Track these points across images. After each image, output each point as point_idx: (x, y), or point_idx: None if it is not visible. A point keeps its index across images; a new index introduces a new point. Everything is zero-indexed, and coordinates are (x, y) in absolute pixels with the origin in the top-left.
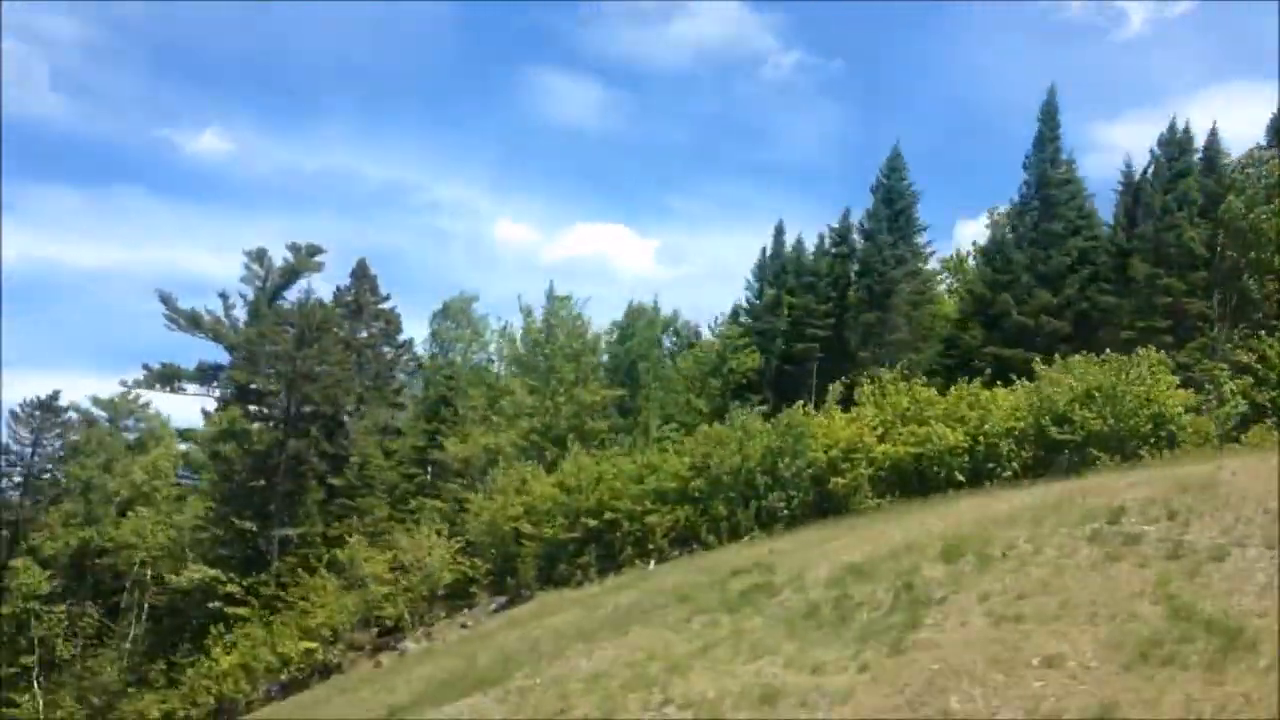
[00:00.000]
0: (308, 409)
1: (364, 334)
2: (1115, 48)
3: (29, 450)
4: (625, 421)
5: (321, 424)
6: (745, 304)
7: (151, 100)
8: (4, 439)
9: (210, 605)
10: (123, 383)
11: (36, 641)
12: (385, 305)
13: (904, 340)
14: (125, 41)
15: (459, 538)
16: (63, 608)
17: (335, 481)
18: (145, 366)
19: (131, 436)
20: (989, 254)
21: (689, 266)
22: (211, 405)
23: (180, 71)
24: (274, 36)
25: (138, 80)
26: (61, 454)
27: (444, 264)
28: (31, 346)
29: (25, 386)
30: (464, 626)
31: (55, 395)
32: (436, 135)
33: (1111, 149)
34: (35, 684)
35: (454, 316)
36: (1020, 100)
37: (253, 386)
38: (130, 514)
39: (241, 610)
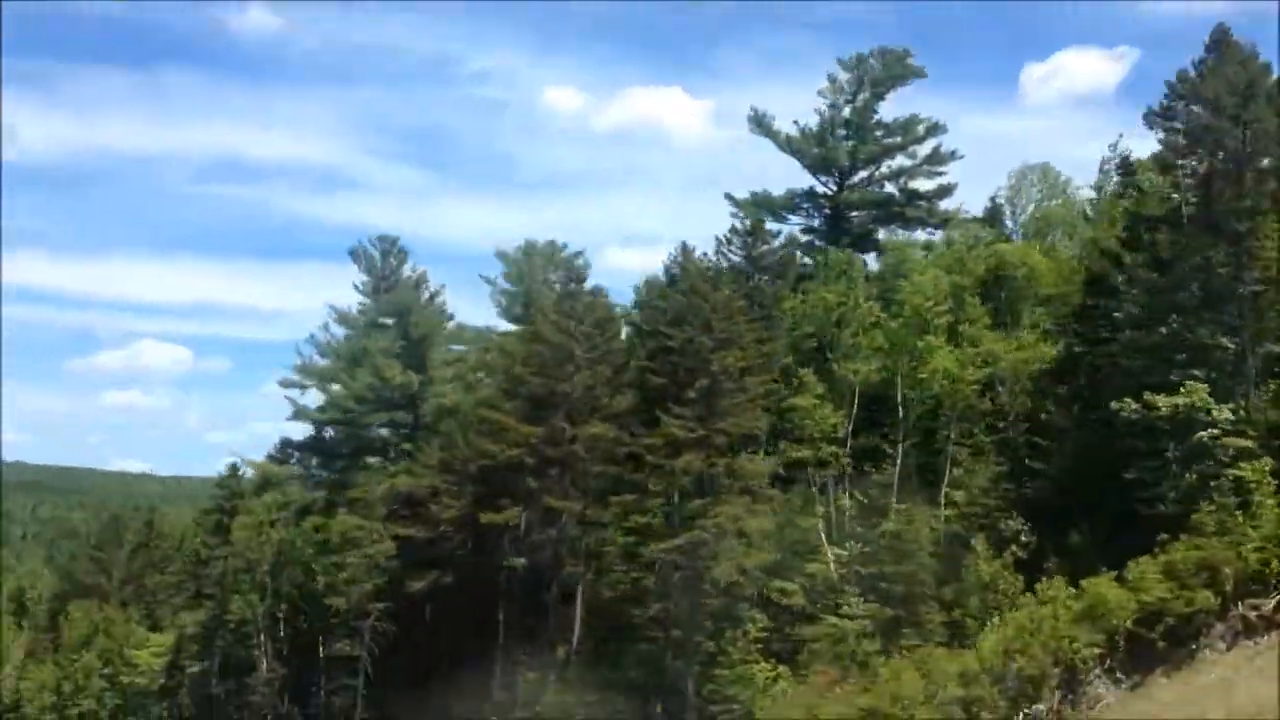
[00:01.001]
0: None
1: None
2: None
3: (749, 272)
4: None
5: None
6: None
7: None
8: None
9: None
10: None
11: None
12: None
13: None
14: None
15: None
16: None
17: None
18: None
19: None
20: None
21: (743, 129)
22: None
23: None
24: None
25: None
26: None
27: (492, 132)
28: (84, 230)
29: (80, 271)
30: None
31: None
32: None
33: None
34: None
35: None
36: None
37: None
38: (921, 342)
39: (1240, 442)
